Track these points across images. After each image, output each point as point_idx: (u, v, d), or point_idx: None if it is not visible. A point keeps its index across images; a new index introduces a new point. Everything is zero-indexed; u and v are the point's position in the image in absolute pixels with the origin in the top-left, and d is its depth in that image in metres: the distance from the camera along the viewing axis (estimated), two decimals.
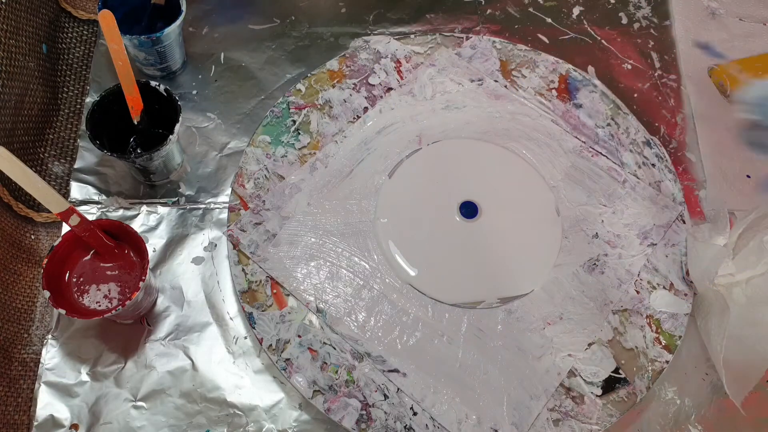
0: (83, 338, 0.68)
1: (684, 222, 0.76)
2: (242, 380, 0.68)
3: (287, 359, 0.67)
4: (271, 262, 0.71)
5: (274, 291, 0.70)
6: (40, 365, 0.67)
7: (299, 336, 0.68)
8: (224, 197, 0.76)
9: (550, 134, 0.81)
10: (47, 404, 0.65)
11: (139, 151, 0.74)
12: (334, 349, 0.68)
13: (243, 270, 0.71)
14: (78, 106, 0.82)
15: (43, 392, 0.66)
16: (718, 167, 0.82)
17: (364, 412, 0.65)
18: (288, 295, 0.70)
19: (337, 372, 0.67)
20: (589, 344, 0.70)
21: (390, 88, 0.82)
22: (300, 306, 0.70)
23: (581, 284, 0.73)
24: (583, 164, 0.79)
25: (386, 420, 0.65)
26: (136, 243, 0.65)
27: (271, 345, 0.67)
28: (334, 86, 0.82)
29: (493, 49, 0.86)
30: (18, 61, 0.74)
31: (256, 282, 0.70)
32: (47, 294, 0.60)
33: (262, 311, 0.69)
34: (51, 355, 0.67)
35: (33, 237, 0.74)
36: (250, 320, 0.68)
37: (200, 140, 0.79)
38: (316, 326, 0.69)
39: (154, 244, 0.73)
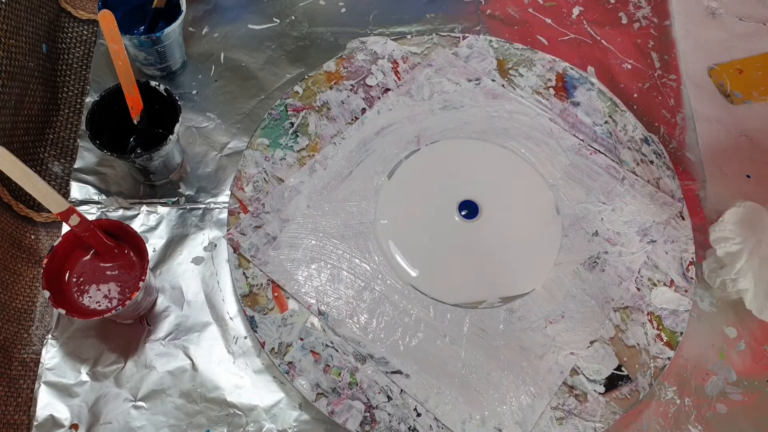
0: (83, 338, 0.68)
1: (683, 218, 0.76)
2: (242, 380, 0.68)
3: (290, 362, 0.67)
4: (271, 265, 0.71)
5: (275, 294, 0.70)
6: (40, 365, 0.67)
7: (301, 339, 0.68)
8: (224, 197, 0.76)
9: (549, 133, 0.81)
10: (47, 404, 0.65)
11: (139, 151, 0.74)
12: (337, 351, 0.68)
13: (244, 273, 0.71)
14: (78, 106, 0.82)
15: (43, 392, 0.65)
16: (718, 167, 0.82)
17: (367, 414, 0.65)
18: (289, 298, 0.70)
19: (340, 374, 0.67)
20: (591, 342, 0.70)
21: (388, 89, 0.82)
22: (301, 309, 0.70)
23: (582, 282, 0.73)
24: (581, 162, 0.79)
25: (390, 421, 0.65)
26: (136, 243, 0.65)
27: (273, 348, 0.67)
28: (331, 88, 0.82)
29: (489, 49, 0.86)
30: (18, 61, 0.74)
31: (257, 285, 0.70)
32: (47, 294, 0.60)
33: (264, 314, 0.69)
34: (51, 355, 0.67)
35: (33, 237, 0.74)
36: (251, 324, 0.68)
37: (200, 140, 0.79)
38: (318, 329, 0.69)
39: (154, 244, 0.73)
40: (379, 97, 0.82)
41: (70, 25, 0.86)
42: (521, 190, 0.78)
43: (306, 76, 0.82)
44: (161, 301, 0.70)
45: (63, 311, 0.60)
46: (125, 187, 0.76)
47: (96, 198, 0.75)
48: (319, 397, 0.65)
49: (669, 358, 0.70)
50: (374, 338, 0.69)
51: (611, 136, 0.81)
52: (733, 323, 0.74)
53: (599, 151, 0.80)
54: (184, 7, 0.76)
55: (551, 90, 0.83)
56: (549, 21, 0.91)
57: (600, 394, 0.68)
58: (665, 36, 0.91)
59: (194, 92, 0.82)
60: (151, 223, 0.74)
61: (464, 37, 0.86)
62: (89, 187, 0.75)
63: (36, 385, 0.66)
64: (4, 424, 0.64)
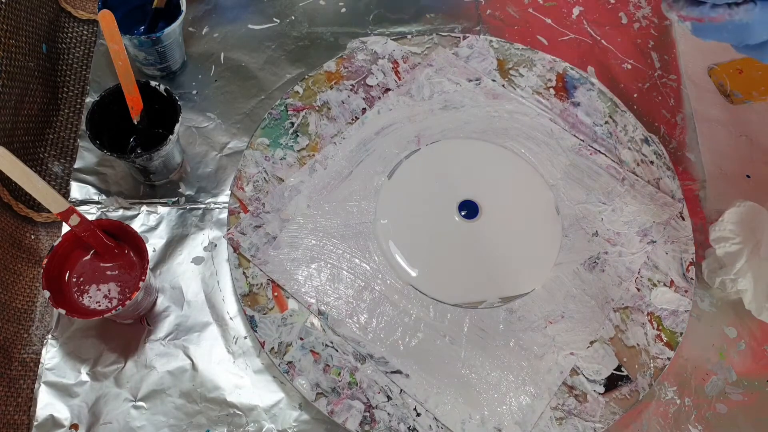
0: (83, 338, 0.68)
1: (683, 219, 0.76)
2: (242, 380, 0.68)
3: (290, 362, 0.67)
4: (271, 264, 0.71)
5: (275, 294, 0.70)
6: (40, 365, 0.67)
7: (301, 339, 0.68)
8: (224, 197, 0.76)
9: (549, 133, 0.81)
10: (47, 404, 0.65)
11: (139, 151, 0.74)
12: (337, 351, 0.68)
13: (244, 273, 0.70)
14: (78, 106, 0.82)
15: (43, 392, 0.65)
16: (718, 167, 0.82)
17: (367, 414, 0.65)
18: (289, 297, 0.70)
19: (339, 374, 0.67)
20: (591, 342, 0.70)
21: (388, 89, 0.82)
22: (301, 308, 0.70)
23: (582, 282, 0.73)
24: (581, 162, 0.79)
25: (390, 421, 0.65)
26: (136, 243, 0.65)
27: (273, 348, 0.67)
28: (331, 88, 0.82)
29: (490, 49, 0.86)
30: (18, 61, 0.74)
31: (257, 285, 0.70)
32: (47, 294, 0.60)
33: (264, 314, 0.69)
34: (51, 355, 0.67)
35: (33, 237, 0.74)
36: (251, 323, 0.68)
37: (200, 140, 0.79)
38: (318, 328, 0.69)
39: (154, 244, 0.73)
40: (379, 97, 0.82)
41: (70, 25, 0.86)
42: (521, 190, 0.78)
43: (306, 76, 0.82)
44: (161, 301, 0.70)
45: (63, 311, 0.60)
46: (125, 187, 0.76)
47: (96, 198, 0.75)
48: (318, 396, 0.65)
49: (669, 359, 0.70)
50: (374, 338, 0.69)
51: (611, 136, 0.81)
52: (733, 323, 0.74)
53: (599, 151, 0.80)
54: (184, 7, 0.75)
55: (551, 90, 0.83)
56: (549, 21, 0.91)
57: (600, 394, 0.68)
58: (665, 36, 0.91)
59: (194, 92, 0.82)
60: (151, 223, 0.74)
61: (464, 37, 0.86)
62: (89, 187, 0.75)
63: (36, 385, 0.66)
64: (4, 424, 0.64)
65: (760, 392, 0.71)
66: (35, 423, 0.64)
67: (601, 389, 0.68)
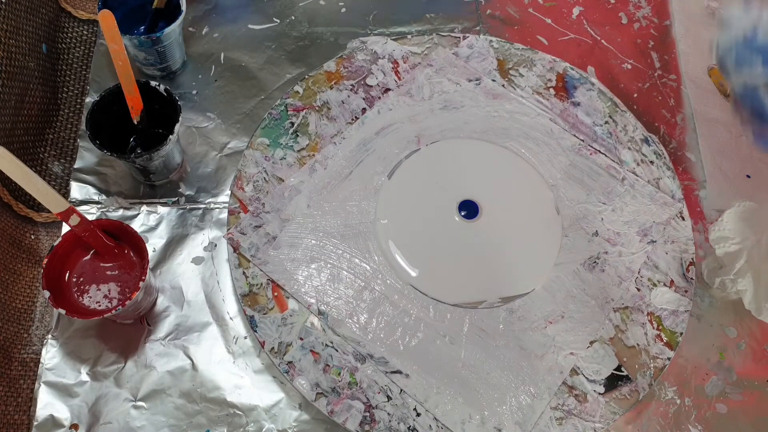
0: (83, 338, 0.68)
1: (683, 219, 0.76)
2: (242, 380, 0.68)
3: (290, 362, 0.67)
4: (271, 264, 0.71)
5: (275, 294, 0.70)
6: (40, 365, 0.67)
7: (301, 339, 0.68)
8: (224, 197, 0.76)
9: (549, 133, 0.81)
10: (47, 404, 0.65)
11: (139, 151, 0.74)
12: (337, 351, 0.68)
13: (244, 273, 0.70)
14: (78, 106, 0.82)
15: (43, 392, 0.65)
16: (718, 167, 0.82)
17: (367, 414, 0.65)
18: (289, 297, 0.70)
19: (339, 374, 0.67)
20: (591, 342, 0.70)
21: (388, 89, 0.82)
22: (301, 308, 0.70)
23: (582, 282, 0.73)
24: (581, 162, 0.79)
25: (390, 421, 0.65)
26: (136, 243, 0.65)
27: (273, 348, 0.67)
28: (331, 88, 0.82)
29: (490, 48, 0.86)
30: (18, 61, 0.74)
31: (257, 285, 0.70)
32: (47, 294, 0.60)
33: (264, 314, 0.69)
34: (51, 355, 0.67)
35: (33, 237, 0.74)
36: (251, 323, 0.68)
37: (200, 140, 0.79)
38: (318, 328, 0.69)
39: (154, 244, 0.73)
40: (379, 97, 0.82)
41: (70, 25, 0.86)
42: (521, 190, 0.78)
43: (306, 76, 0.82)
44: (161, 301, 0.70)
45: (63, 311, 0.60)
46: (125, 187, 0.76)
47: (96, 198, 0.75)
48: (318, 396, 0.65)
49: (669, 359, 0.70)
50: (374, 338, 0.69)
51: (611, 136, 0.81)
52: (733, 323, 0.74)
53: (599, 151, 0.80)
54: (184, 7, 0.76)
55: (551, 90, 0.83)
56: (549, 21, 0.90)
57: (600, 394, 0.68)
58: (665, 36, 0.91)
59: (194, 92, 0.82)
60: (151, 223, 0.74)
61: (464, 37, 0.86)
62: (89, 187, 0.75)
63: (36, 385, 0.66)
64: (4, 424, 0.64)
65: (760, 392, 0.71)
66: (35, 423, 0.64)
67: (601, 389, 0.68)
